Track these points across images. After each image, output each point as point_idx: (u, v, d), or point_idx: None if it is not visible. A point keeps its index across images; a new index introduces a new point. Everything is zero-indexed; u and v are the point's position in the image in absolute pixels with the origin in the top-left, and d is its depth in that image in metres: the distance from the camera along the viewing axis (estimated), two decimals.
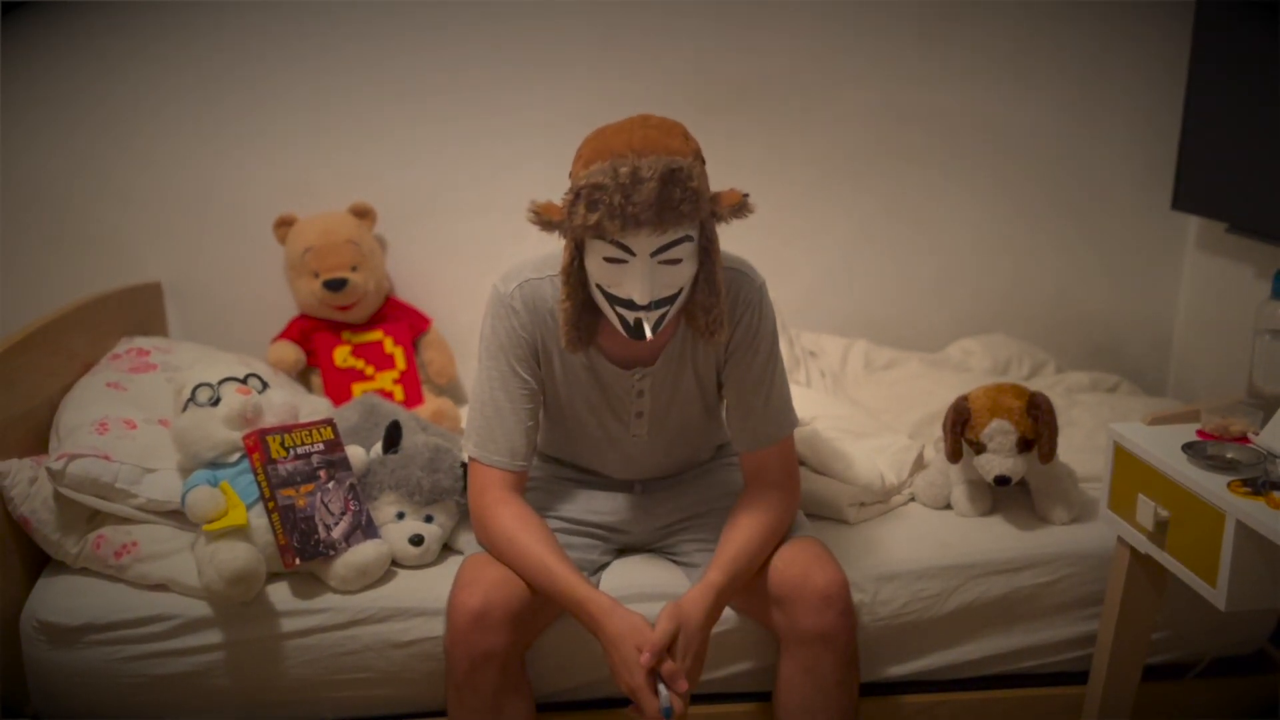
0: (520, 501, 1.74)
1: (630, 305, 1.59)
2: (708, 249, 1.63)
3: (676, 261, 1.58)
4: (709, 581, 1.66)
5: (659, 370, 1.77)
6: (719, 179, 2.70)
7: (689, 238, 1.58)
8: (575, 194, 1.53)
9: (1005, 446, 1.95)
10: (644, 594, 1.80)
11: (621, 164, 1.49)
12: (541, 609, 1.73)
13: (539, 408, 1.78)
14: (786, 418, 1.80)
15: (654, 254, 1.56)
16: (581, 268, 1.64)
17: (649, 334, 1.61)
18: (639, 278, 1.56)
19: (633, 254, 1.55)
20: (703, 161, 1.61)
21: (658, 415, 1.81)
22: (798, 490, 1.83)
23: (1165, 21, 2.66)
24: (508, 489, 1.73)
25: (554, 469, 1.95)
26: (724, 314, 1.66)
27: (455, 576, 1.74)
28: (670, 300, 1.61)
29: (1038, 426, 1.96)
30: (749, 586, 1.74)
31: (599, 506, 1.90)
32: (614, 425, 1.82)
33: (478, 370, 1.77)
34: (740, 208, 1.60)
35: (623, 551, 1.93)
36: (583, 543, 1.86)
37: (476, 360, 1.78)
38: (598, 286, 1.62)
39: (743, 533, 1.72)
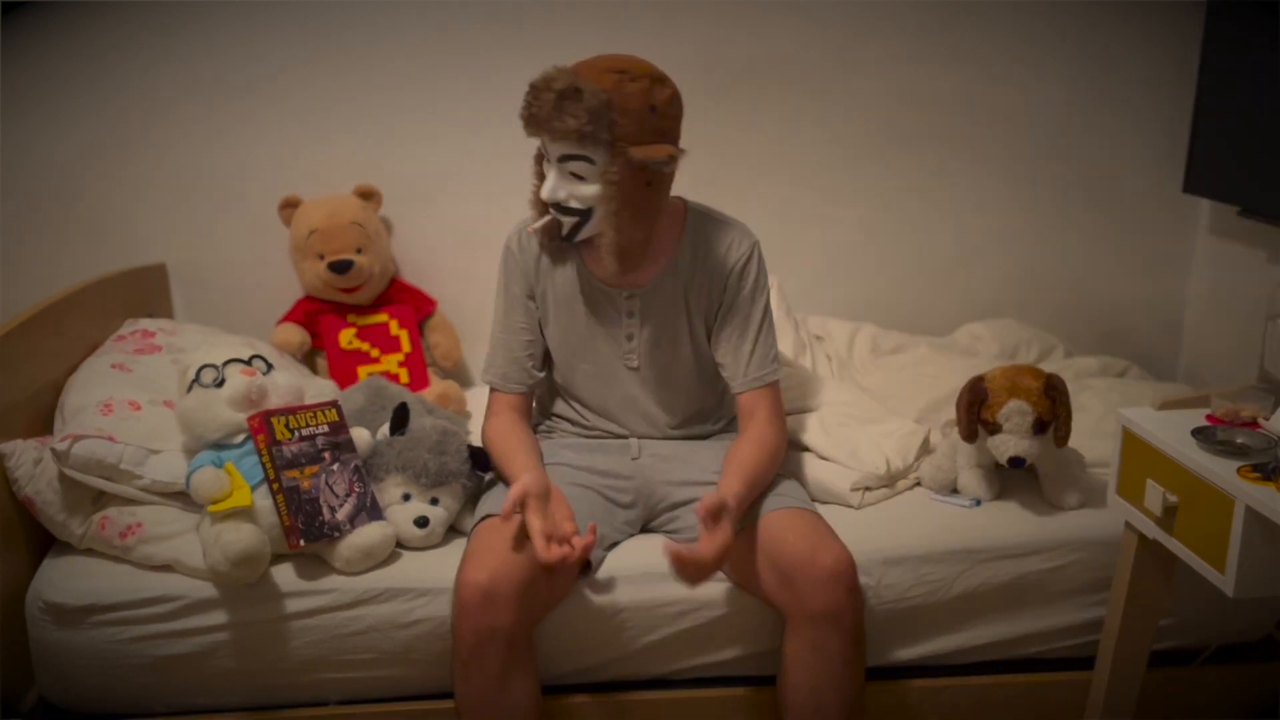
0: (510, 415, 1.96)
1: (546, 201, 1.80)
2: (617, 183, 1.74)
3: (579, 178, 1.76)
4: (730, 488, 1.74)
5: (649, 296, 1.90)
6: (727, 160, 2.70)
7: (589, 160, 1.73)
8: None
9: (1022, 427, 1.94)
10: (651, 574, 1.81)
11: (549, 74, 1.71)
12: (549, 585, 1.74)
13: (537, 341, 1.97)
14: (774, 365, 1.93)
15: (560, 160, 1.75)
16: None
17: (566, 230, 1.81)
18: (549, 177, 1.78)
19: (548, 155, 1.77)
20: (642, 103, 1.72)
21: (649, 343, 1.92)
22: (785, 436, 1.95)
23: (1178, 4, 2.63)
24: (503, 406, 1.98)
25: (562, 424, 2.05)
26: (645, 248, 1.82)
27: (464, 550, 1.77)
28: (579, 213, 1.79)
29: (1055, 408, 1.95)
30: (756, 563, 1.77)
31: (602, 461, 1.96)
32: (607, 349, 1.93)
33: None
34: (660, 162, 1.73)
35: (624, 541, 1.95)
36: (591, 496, 1.90)
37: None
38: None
39: (749, 448, 1.84)
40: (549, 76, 1.70)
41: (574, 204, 1.78)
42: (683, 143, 1.82)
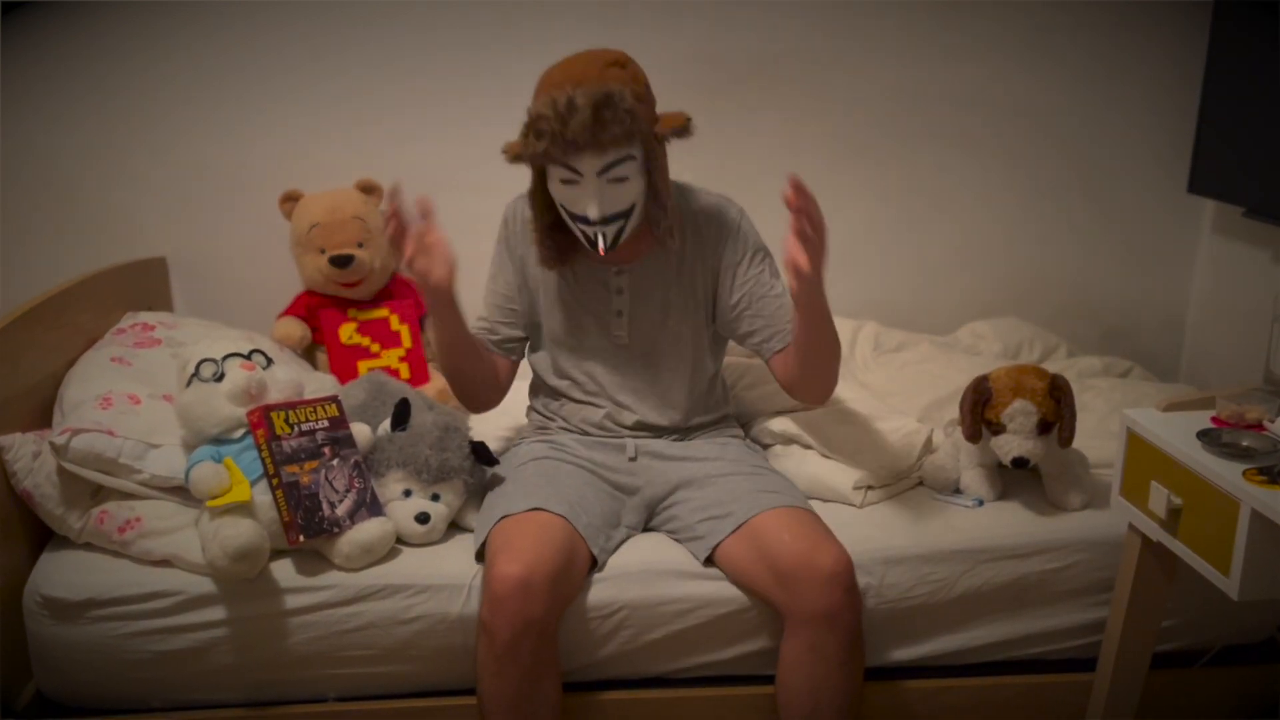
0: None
1: (587, 221, 1.77)
2: (650, 167, 1.78)
3: (623, 179, 1.75)
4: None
5: (639, 271, 1.91)
6: (728, 158, 2.70)
7: (631, 157, 1.75)
8: (525, 126, 1.74)
9: (1026, 427, 1.93)
10: (652, 569, 1.83)
11: (559, 95, 1.68)
12: (572, 575, 1.75)
13: (512, 304, 2.01)
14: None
15: (600, 173, 1.73)
16: (547, 192, 1.82)
17: (602, 248, 1.79)
18: (590, 196, 1.75)
19: (580, 175, 1.74)
20: (644, 85, 1.78)
21: (639, 317, 1.93)
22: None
23: (1184, 5, 2.62)
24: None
25: (557, 419, 2.04)
26: (674, 225, 1.83)
27: (488, 547, 1.77)
28: (623, 215, 1.78)
29: (1060, 409, 1.94)
30: (752, 563, 1.77)
31: (601, 459, 1.97)
32: (596, 327, 1.95)
33: None
34: (681, 129, 1.77)
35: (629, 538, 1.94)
36: (600, 490, 1.91)
37: None
38: (561, 206, 1.81)
39: None
40: (562, 99, 1.67)
41: (617, 209, 1.77)
42: (684, 140, 1.82)
